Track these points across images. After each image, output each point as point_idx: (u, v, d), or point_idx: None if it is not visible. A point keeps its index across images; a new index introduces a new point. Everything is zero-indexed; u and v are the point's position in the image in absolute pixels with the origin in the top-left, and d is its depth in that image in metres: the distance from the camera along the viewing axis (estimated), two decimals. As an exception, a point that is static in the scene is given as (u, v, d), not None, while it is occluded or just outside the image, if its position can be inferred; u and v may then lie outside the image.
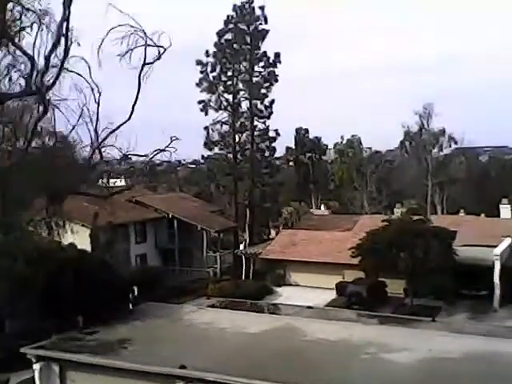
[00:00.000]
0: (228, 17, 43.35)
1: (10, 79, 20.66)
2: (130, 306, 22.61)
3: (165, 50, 21.51)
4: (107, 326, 19.31)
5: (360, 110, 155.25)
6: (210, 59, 42.91)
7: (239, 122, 43.59)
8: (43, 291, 19.35)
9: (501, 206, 40.18)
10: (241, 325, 19.18)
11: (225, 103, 43.25)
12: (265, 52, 43.69)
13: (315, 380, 14.40)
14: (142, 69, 21.70)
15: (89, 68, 21.38)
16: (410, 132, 64.11)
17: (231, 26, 43.16)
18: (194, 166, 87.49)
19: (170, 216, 39.67)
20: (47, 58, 19.62)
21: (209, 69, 42.99)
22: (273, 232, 55.84)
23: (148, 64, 21.78)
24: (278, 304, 27.89)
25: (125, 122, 22.72)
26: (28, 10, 19.34)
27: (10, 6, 19.54)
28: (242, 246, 40.88)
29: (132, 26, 20.31)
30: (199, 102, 42.68)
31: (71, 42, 20.19)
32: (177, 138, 23.57)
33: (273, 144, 45.61)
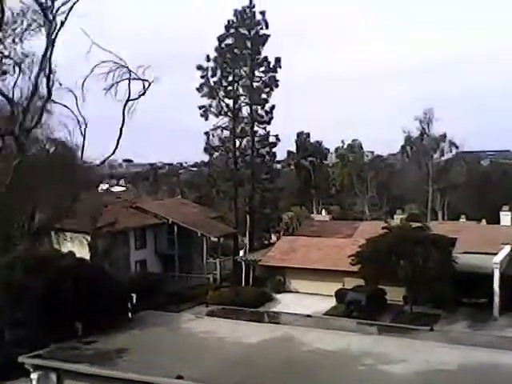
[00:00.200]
0: (229, 21, 43.43)
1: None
2: (129, 314, 22.60)
3: (149, 84, 21.65)
4: (105, 334, 19.27)
5: (362, 113, 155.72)
6: (211, 64, 43.03)
7: (239, 128, 43.66)
8: (42, 299, 19.38)
9: (501, 213, 40.19)
10: (239, 335, 19.14)
11: (225, 108, 43.33)
12: (265, 57, 43.77)
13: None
14: (125, 104, 21.86)
15: (75, 99, 21.65)
16: (410, 137, 64.11)
17: (232, 30, 43.23)
18: (195, 168, 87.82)
19: (170, 222, 39.66)
20: (28, 103, 19.86)
21: (209, 73, 43.10)
22: (274, 237, 55.91)
23: (132, 100, 21.97)
24: (277, 312, 27.81)
25: (109, 156, 22.90)
26: (7, 57, 19.60)
27: None
28: (241, 252, 40.85)
29: (116, 63, 20.56)
30: (200, 108, 42.78)
31: (53, 83, 20.47)
32: None
33: (273, 149, 45.74)
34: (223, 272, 39.00)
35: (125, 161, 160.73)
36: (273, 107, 43.78)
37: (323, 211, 72.88)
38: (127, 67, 20.81)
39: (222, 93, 42.99)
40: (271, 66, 43.45)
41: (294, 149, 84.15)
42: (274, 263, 36.45)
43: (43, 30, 20.20)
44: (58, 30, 20.45)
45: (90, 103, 22.23)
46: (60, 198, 25.72)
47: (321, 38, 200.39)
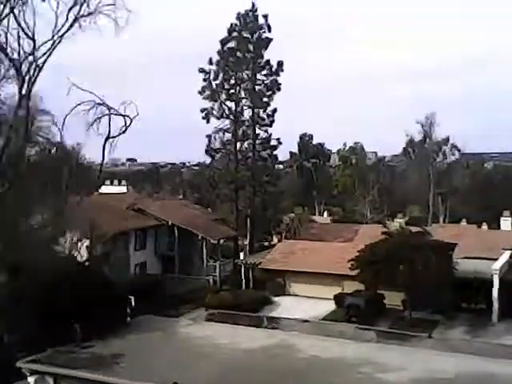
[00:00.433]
0: (231, 25, 43.47)
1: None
2: (128, 318, 22.62)
3: (131, 120, 21.68)
4: (103, 339, 19.33)
5: (365, 114, 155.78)
6: (213, 67, 43.07)
7: (241, 130, 43.70)
8: (41, 303, 19.44)
9: (501, 218, 40.24)
10: (236, 341, 19.17)
11: (227, 111, 43.38)
12: (268, 60, 43.81)
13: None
14: (105, 142, 21.91)
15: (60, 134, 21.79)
16: (412, 140, 64.09)
17: (235, 34, 43.26)
18: (198, 168, 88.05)
19: (170, 223, 39.68)
20: (3, 148, 20.05)
21: (211, 76, 43.14)
22: (275, 239, 55.96)
23: (112, 137, 22.06)
24: (275, 317, 27.79)
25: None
26: None
27: None
28: (242, 255, 40.87)
29: (97, 103, 20.71)
30: (202, 110, 42.83)
31: (31, 124, 20.64)
32: None
33: (274, 152, 45.79)
34: (223, 274, 39.05)
35: (128, 160, 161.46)
36: (275, 110, 43.83)
37: (325, 213, 73.09)
38: (107, 105, 21.02)
39: (223, 96, 43.05)
40: (273, 69, 43.53)
41: (296, 150, 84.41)
42: (273, 267, 36.44)
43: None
44: (32, 84, 20.74)
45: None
46: (60, 199, 25.71)
47: (322, 38, 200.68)
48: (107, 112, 21.19)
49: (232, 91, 43.28)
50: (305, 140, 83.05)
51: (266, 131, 44.20)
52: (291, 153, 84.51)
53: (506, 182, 69.35)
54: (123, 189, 49.65)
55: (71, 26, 20.25)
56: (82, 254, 25.97)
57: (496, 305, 28.96)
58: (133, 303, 25.44)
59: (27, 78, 20.16)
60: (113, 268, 32.83)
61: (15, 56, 20.00)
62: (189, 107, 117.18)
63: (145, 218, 39.60)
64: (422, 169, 62.20)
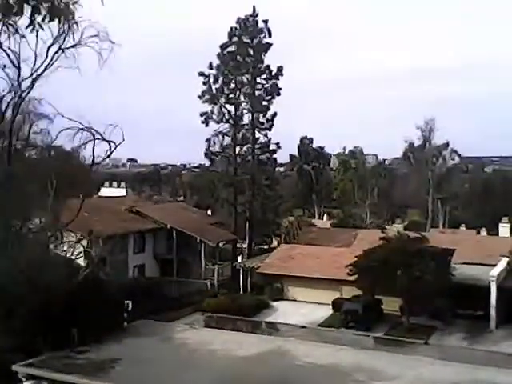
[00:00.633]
0: (232, 29, 43.56)
1: None
2: (125, 323, 22.65)
3: (116, 146, 21.75)
4: (99, 343, 19.39)
5: (367, 116, 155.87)
6: (213, 71, 43.13)
7: (240, 134, 43.74)
8: (38, 308, 19.45)
9: (500, 224, 40.19)
10: (231, 347, 19.19)
11: (227, 115, 43.43)
12: (268, 65, 43.90)
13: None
14: (91, 166, 22.03)
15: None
16: (412, 145, 64.05)
17: (235, 38, 43.34)
18: (198, 169, 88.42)
19: (169, 227, 39.70)
20: None
21: (211, 80, 43.21)
22: (275, 242, 55.97)
23: (97, 164, 22.17)
24: (271, 322, 27.79)
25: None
26: None
27: None
28: (239, 259, 40.88)
29: (81, 128, 20.83)
30: (201, 114, 42.90)
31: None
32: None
33: (274, 156, 45.86)
34: (221, 278, 39.01)
35: (129, 160, 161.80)
36: (274, 114, 43.91)
37: (325, 216, 73.15)
38: (91, 130, 21.14)
39: (223, 99, 43.14)
40: (273, 73, 43.60)
41: (296, 153, 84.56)
42: (271, 271, 36.39)
43: None
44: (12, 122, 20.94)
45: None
46: (59, 202, 25.70)
47: (322, 39, 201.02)
48: (92, 138, 21.28)
49: (231, 95, 43.37)
50: (305, 143, 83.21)
51: (266, 135, 44.29)
52: (291, 156, 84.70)
53: (506, 188, 69.27)
54: (122, 191, 49.71)
55: (52, 62, 20.23)
56: (80, 258, 25.95)
57: (493, 312, 28.87)
58: (130, 307, 25.42)
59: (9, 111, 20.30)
60: (111, 271, 32.90)
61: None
62: (190, 108, 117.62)
63: (144, 221, 39.62)
64: (421, 173, 62.08)
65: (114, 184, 52.43)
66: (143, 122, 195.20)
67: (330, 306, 32.56)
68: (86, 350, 18.83)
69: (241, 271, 37.78)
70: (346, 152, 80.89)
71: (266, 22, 43.38)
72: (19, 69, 20.35)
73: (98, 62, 19.98)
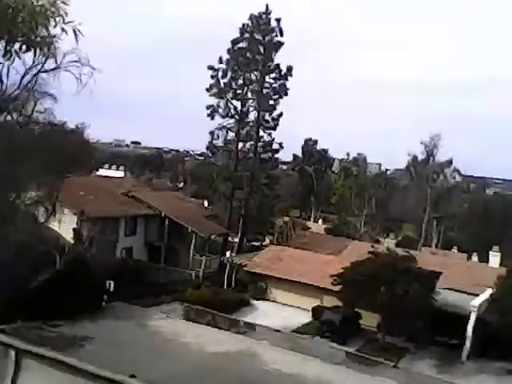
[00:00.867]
0: (244, 25, 43.37)
1: None
2: (103, 303, 22.87)
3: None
4: (73, 320, 19.59)
5: (374, 125, 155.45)
6: (222, 66, 43.06)
7: (245, 131, 43.74)
8: (22, 280, 19.67)
9: (490, 253, 39.90)
10: (204, 342, 19.44)
11: (232, 110, 43.38)
12: (277, 64, 43.75)
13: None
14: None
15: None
16: (415, 159, 63.73)
17: (246, 35, 43.16)
18: (202, 157, 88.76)
19: (163, 214, 39.82)
20: None
21: (220, 74, 43.11)
22: (267, 240, 56.08)
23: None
24: (249, 323, 27.90)
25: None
26: None
27: None
28: (228, 254, 40.99)
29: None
30: (207, 107, 42.85)
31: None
32: None
33: (276, 155, 45.90)
34: (208, 271, 39.16)
35: (133, 142, 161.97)
36: (280, 114, 43.86)
37: (320, 220, 73.21)
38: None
39: (230, 94, 43.00)
40: (282, 73, 43.45)
41: (299, 152, 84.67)
42: (258, 270, 36.56)
43: None
44: None
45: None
46: (58, 177, 25.88)
47: (336, 47, 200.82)
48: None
49: (239, 91, 43.26)
50: (309, 144, 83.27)
51: (270, 134, 44.27)
52: (294, 155, 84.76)
53: (505, 213, 68.89)
54: (121, 173, 49.75)
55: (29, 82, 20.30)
56: (69, 234, 26.18)
57: (468, 343, 28.47)
58: (112, 288, 25.63)
59: None
60: (99, 249, 33.08)
61: None
62: (197, 96, 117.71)
63: (138, 206, 39.71)
64: (421, 188, 61.77)
65: (113, 167, 52.39)
66: (151, 106, 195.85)
67: (310, 313, 32.74)
68: (59, 324, 19.03)
69: (228, 266, 37.95)
70: (350, 158, 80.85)
71: (278, 20, 43.16)
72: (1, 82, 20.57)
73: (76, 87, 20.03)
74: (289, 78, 43.53)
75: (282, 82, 43.33)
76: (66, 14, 8.35)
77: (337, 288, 30.78)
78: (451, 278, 33.45)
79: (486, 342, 27.47)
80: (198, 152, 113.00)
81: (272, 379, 17.18)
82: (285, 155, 54.81)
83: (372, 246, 33.92)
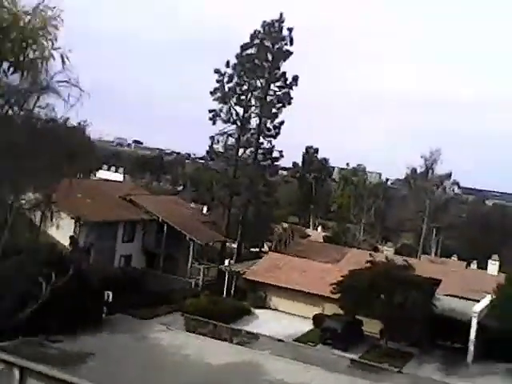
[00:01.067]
0: (255, 31, 43.32)
1: None
2: (103, 315, 22.55)
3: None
4: (74, 335, 19.30)
5: (377, 134, 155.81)
6: (229, 70, 42.96)
7: (245, 137, 43.60)
8: (19, 292, 19.32)
9: (489, 261, 40.15)
10: (205, 354, 19.16)
11: (234, 116, 43.25)
12: (284, 73, 43.67)
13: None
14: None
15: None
16: (415, 171, 63.77)
17: (256, 41, 43.10)
18: (203, 161, 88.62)
19: (161, 220, 39.52)
20: None
21: (225, 79, 43.02)
22: (266, 246, 55.85)
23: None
24: (250, 332, 27.61)
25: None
26: None
27: None
28: (227, 262, 40.73)
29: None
30: (210, 111, 42.71)
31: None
32: None
33: (276, 163, 45.77)
34: (206, 279, 38.80)
35: (134, 141, 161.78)
36: (282, 123, 43.72)
37: (319, 227, 73.06)
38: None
39: (234, 100, 42.88)
40: (288, 82, 43.36)
41: (300, 161, 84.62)
42: (257, 278, 36.32)
43: None
44: None
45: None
46: (55, 177, 25.34)
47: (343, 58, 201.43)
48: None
49: (243, 97, 43.12)
50: (310, 153, 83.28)
51: (270, 142, 44.13)
52: (294, 163, 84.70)
53: (504, 223, 69.20)
54: (120, 177, 49.46)
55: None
56: (67, 241, 25.81)
57: (472, 347, 28.95)
58: (110, 299, 25.27)
59: None
60: (97, 257, 32.73)
61: None
62: (201, 99, 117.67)
63: (136, 211, 39.33)
64: (419, 199, 61.80)
65: (113, 168, 52.08)
66: (154, 106, 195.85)
67: (311, 321, 32.55)
68: (60, 340, 18.76)
69: (226, 274, 37.69)
70: (349, 168, 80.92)
71: (290, 30, 43.14)
72: None
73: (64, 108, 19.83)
74: (294, 87, 43.35)
75: (286, 90, 43.23)
76: (56, 38, 8.17)
77: (336, 296, 30.70)
78: (450, 284, 33.64)
79: (489, 345, 28.02)
80: (200, 155, 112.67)
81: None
82: (285, 162, 54.57)
83: (370, 255, 33.86)
